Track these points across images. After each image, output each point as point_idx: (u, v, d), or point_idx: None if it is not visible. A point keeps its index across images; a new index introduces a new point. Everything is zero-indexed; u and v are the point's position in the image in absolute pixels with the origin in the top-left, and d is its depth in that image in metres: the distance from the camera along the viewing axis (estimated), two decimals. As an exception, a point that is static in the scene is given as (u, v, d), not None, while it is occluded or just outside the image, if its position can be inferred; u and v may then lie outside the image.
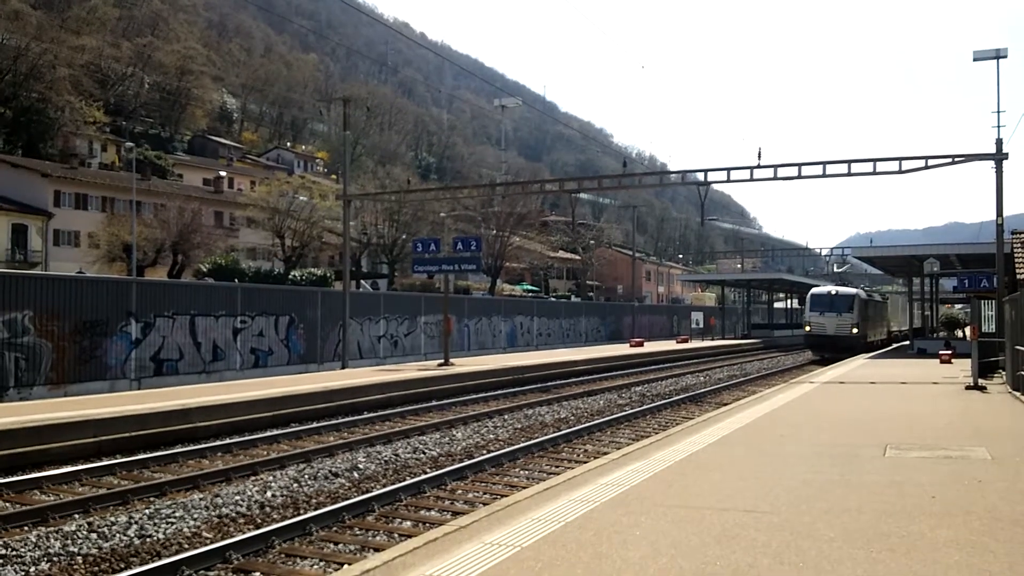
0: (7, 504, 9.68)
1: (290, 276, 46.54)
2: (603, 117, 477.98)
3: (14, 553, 7.69)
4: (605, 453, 11.98)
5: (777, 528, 6.27)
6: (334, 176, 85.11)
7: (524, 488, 9.35)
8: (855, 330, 36.05)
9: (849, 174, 23.50)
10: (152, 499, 9.83)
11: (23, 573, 7.26)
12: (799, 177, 23.89)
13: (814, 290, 39.29)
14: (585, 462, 11.22)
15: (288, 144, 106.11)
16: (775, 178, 24.12)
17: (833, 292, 38.31)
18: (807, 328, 37.51)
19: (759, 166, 23.99)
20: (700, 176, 26.16)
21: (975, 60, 24.38)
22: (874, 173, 23.28)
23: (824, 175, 23.75)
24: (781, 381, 24.28)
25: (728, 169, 25.02)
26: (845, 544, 5.84)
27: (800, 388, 18.51)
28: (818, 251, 66.82)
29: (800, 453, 9.69)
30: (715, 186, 31.24)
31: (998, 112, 23.77)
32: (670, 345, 45.09)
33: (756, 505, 7.02)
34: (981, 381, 18.25)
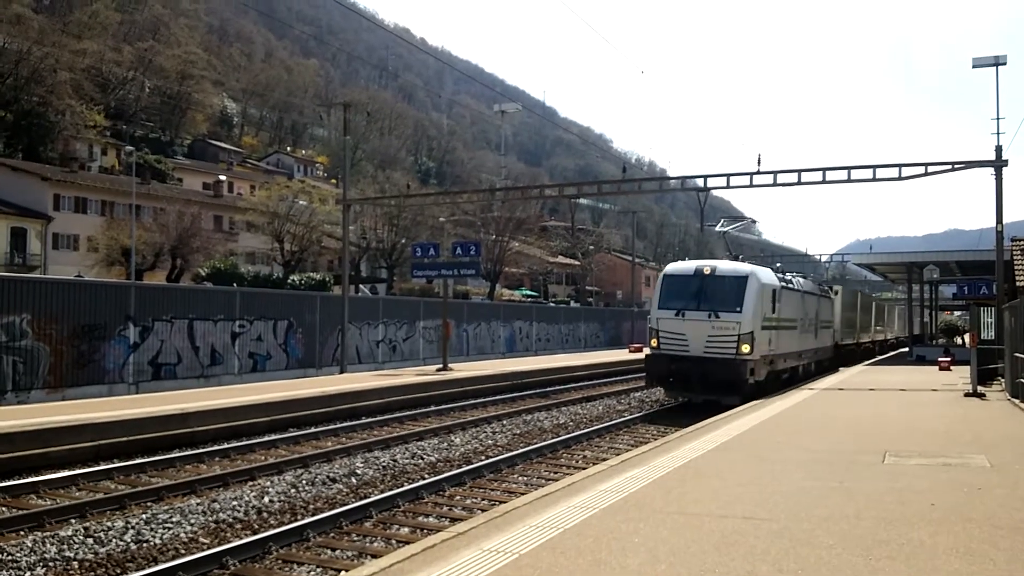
0: (4, 508, 9.65)
1: (289, 280, 46.54)
2: (603, 122, 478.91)
3: (10, 558, 7.67)
4: (604, 459, 11.94)
5: (776, 535, 6.25)
6: (334, 180, 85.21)
7: (523, 494, 9.33)
8: (746, 347, 18.00)
9: (849, 180, 23.47)
10: (149, 504, 9.81)
11: (18, 578, 7.24)
12: (799, 183, 23.87)
13: (669, 267, 20.51)
14: (584, 468, 11.19)
15: (288, 149, 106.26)
16: (775, 184, 24.10)
17: (706, 270, 19.08)
18: (653, 343, 19.36)
19: (759, 172, 23.99)
20: (700, 182, 26.15)
21: (974, 67, 24.41)
22: (874, 180, 23.27)
23: (824, 181, 23.71)
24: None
25: (728, 175, 25.01)
26: (844, 551, 5.82)
27: (799, 394, 18.50)
28: (818, 257, 66.75)
29: (799, 460, 9.67)
30: (715, 192, 30.98)
31: (997, 119, 23.80)
32: (669, 351, 44.90)
33: (755, 512, 7.00)
34: (980, 388, 18.23)
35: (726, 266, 19.31)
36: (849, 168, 23.36)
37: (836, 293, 29.90)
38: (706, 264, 19.39)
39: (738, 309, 18.14)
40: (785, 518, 6.79)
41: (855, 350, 33.84)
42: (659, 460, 9.60)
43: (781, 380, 20.55)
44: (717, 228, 23.71)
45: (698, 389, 18.76)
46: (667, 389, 20.31)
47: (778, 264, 23.99)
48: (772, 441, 11.28)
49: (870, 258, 45.01)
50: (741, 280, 18.59)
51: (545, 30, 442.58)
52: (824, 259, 64.10)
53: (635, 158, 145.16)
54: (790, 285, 21.57)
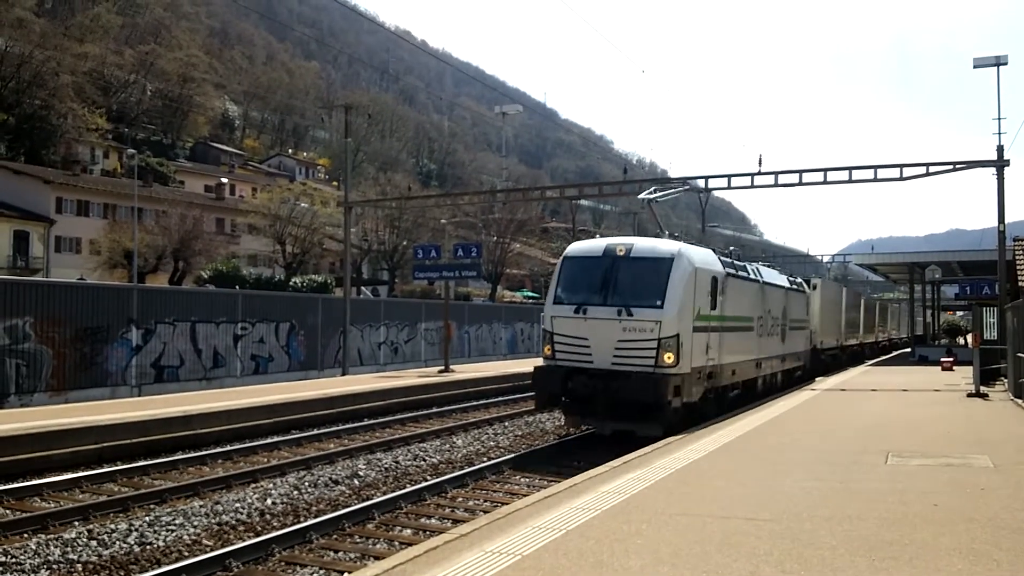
0: (7, 511, 9.67)
1: (291, 283, 46.62)
2: (604, 123, 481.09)
3: (14, 560, 7.69)
4: (606, 460, 11.94)
5: (779, 536, 6.25)
6: (335, 183, 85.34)
7: (525, 496, 9.33)
8: (669, 356, 13.14)
9: (850, 181, 23.49)
10: (152, 506, 9.82)
11: (23, 581, 7.26)
12: (800, 184, 23.91)
13: (573, 247, 15.36)
14: (586, 469, 11.19)
15: (290, 151, 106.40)
16: (776, 184, 24.15)
17: (619, 250, 14.12)
18: (545, 350, 14.54)
19: (760, 172, 24.04)
20: (701, 183, 26.13)
21: (975, 67, 24.45)
22: (875, 180, 23.29)
23: (825, 182, 23.75)
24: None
25: (729, 176, 25.07)
26: (848, 552, 5.81)
27: (801, 395, 18.48)
28: (819, 258, 66.92)
29: (801, 460, 9.67)
30: (716, 193, 30.79)
31: (999, 119, 23.84)
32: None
33: (757, 513, 7.00)
34: (983, 388, 18.20)
35: (645, 245, 14.39)
36: (850, 168, 23.37)
37: (814, 287, 25.68)
38: (620, 243, 14.32)
39: (658, 303, 13.18)
40: (788, 519, 6.79)
41: (839, 355, 29.54)
42: (661, 461, 9.60)
43: (728, 399, 15.88)
44: (641, 196, 18.09)
45: (603, 414, 13.57)
46: (565, 414, 14.94)
47: (731, 248, 18.80)
48: (775, 441, 11.27)
49: (872, 258, 45.00)
50: (663, 263, 13.59)
51: (546, 31, 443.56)
52: (826, 259, 64.20)
53: (636, 159, 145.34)
54: (741, 273, 16.89)
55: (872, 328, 40.46)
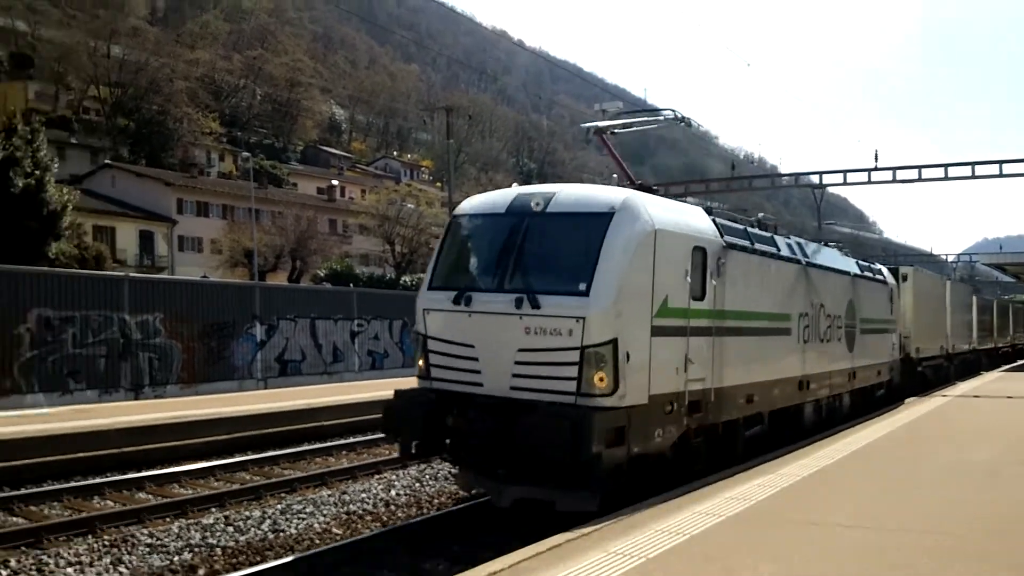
0: (150, 496, 10.33)
1: (401, 281, 47.68)
2: (707, 118, 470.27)
3: (159, 543, 8.20)
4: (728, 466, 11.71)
5: (918, 548, 5.98)
6: (439, 184, 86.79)
7: (645, 499, 9.27)
8: (601, 377, 7.70)
9: (973, 177, 22.41)
10: (283, 495, 10.27)
11: (168, 561, 7.73)
12: (919, 180, 23.00)
13: (466, 203, 9.71)
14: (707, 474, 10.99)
15: (394, 153, 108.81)
16: (894, 181, 23.30)
17: (534, 204, 8.51)
18: (419, 363, 8.76)
19: (877, 168, 23.24)
20: (814, 178, 25.44)
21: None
22: (1000, 176, 22.11)
23: (946, 178, 22.72)
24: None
25: (844, 172, 24.29)
26: (1000, 569, 5.52)
27: (933, 401, 17.62)
28: (944, 257, 63.61)
29: (936, 468, 9.24)
30: (831, 189, 29.85)
31: None
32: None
33: (890, 523, 6.73)
34: None
35: (572, 194, 8.91)
36: (973, 164, 22.31)
37: (904, 278, 20.27)
38: (536, 192, 9.00)
39: (582, 287, 7.97)
40: (926, 529, 6.50)
41: (943, 365, 24.39)
42: (787, 468, 9.33)
43: (742, 441, 10.46)
44: (587, 124, 12.74)
45: (497, 471, 8.20)
46: (455, 467, 9.50)
47: (760, 215, 12.94)
48: (907, 449, 10.80)
49: (1001, 258, 42.37)
50: (596, 221, 8.30)
51: (644, 25, 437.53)
52: (951, 259, 60.90)
53: (743, 154, 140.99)
54: (762, 246, 10.99)
55: (990, 332, 34.82)
